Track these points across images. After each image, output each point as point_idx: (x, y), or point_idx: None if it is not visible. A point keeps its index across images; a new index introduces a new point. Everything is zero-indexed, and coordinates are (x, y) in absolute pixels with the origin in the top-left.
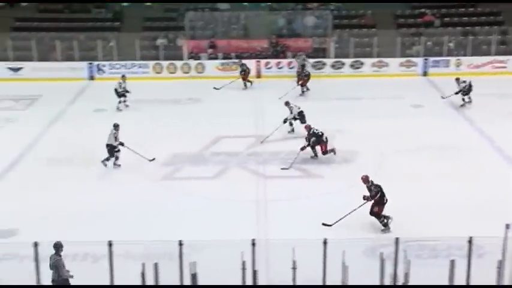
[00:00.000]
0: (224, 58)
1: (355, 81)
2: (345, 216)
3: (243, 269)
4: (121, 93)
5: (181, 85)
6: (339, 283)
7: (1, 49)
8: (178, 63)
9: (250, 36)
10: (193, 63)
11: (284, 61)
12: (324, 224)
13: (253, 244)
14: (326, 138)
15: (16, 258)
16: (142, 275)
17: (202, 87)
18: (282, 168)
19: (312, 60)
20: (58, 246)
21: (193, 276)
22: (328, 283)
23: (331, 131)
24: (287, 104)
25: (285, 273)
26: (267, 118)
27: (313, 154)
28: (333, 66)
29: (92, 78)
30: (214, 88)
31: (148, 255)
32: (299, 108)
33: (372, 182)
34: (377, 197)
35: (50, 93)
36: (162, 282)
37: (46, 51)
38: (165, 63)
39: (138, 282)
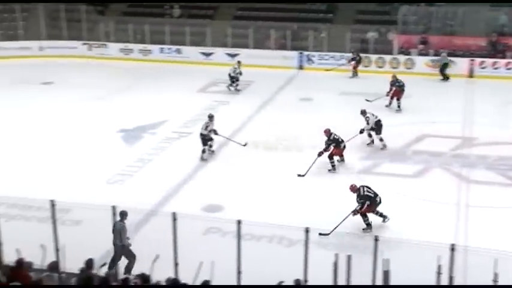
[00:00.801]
0: (435, 55)
1: None
2: (339, 224)
3: (439, 273)
4: (234, 78)
5: (388, 80)
6: None
7: (222, 36)
8: (387, 57)
9: (466, 33)
10: (402, 58)
11: (502, 61)
12: (320, 234)
13: (452, 249)
14: (344, 145)
15: (219, 233)
16: (335, 264)
17: (411, 84)
18: (299, 175)
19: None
20: (123, 214)
21: (386, 274)
22: None
23: None
24: (363, 113)
25: (483, 284)
26: (476, 119)
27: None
28: None
29: (301, 67)
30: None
31: (341, 245)
32: (376, 118)
33: (360, 191)
34: (365, 207)
35: (261, 79)
36: (353, 275)
37: (261, 40)
38: (373, 57)
39: (330, 272)
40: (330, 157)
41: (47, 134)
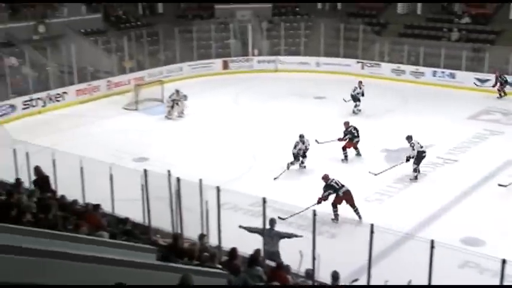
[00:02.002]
0: None
1: None
2: (302, 211)
3: None
4: (355, 98)
5: None
6: None
7: (502, 62)
8: None
9: None
10: None
11: None
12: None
13: None
14: (358, 141)
15: (477, 268)
16: None
17: None
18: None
19: None
20: (273, 221)
21: None
22: None
23: None
24: (409, 139)
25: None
26: None
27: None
28: None
29: None
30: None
31: None
32: (421, 147)
33: (328, 181)
34: (326, 196)
35: None
36: None
37: None
38: None
39: None
40: (343, 148)
41: (313, 146)
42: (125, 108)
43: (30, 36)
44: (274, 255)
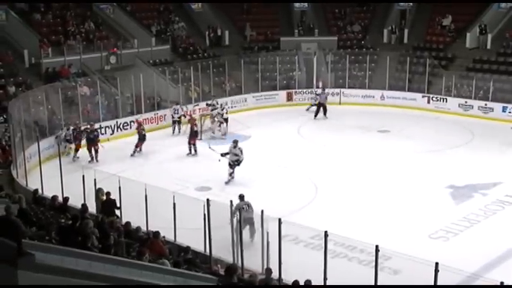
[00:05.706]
0: None
1: None
2: None
3: None
4: None
5: None
6: None
7: None
8: None
9: None
10: None
11: None
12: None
13: None
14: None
15: None
16: None
17: None
18: None
19: None
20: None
21: None
22: None
23: None
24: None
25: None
26: None
27: None
28: None
29: None
30: None
31: None
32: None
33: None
34: None
35: None
36: None
37: None
38: None
39: None
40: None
41: (377, 180)
42: None
43: (102, 67)
44: (251, 220)
